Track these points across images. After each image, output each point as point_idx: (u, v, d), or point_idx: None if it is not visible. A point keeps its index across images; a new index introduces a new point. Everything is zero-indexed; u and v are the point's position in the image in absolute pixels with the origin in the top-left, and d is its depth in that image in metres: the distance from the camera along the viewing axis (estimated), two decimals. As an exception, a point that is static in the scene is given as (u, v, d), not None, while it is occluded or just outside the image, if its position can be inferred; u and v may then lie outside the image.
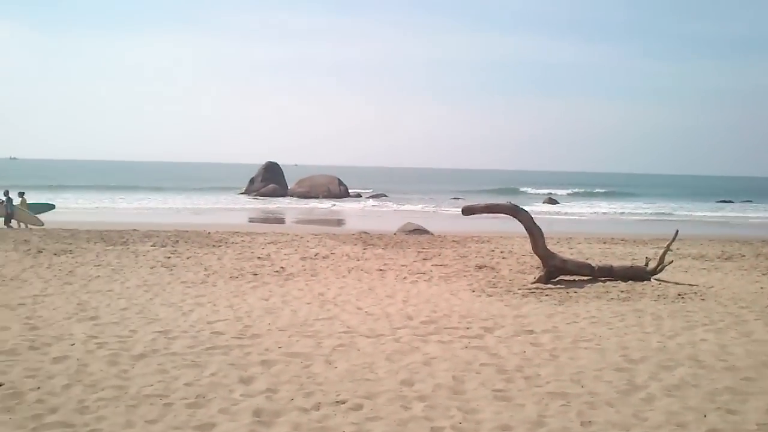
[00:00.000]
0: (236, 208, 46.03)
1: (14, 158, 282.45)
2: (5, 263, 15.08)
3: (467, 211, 14.64)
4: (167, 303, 11.07)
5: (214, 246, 19.02)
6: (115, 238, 20.51)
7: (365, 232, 24.95)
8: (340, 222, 37.40)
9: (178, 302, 11.15)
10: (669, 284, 13.72)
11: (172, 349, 8.22)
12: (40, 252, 17.02)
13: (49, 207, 28.73)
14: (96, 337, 8.68)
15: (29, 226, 25.14)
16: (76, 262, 15.42)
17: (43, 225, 25.29)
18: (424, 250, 19.21)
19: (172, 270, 14.59)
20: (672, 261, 15.06)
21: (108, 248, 18.05)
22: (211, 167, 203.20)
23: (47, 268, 14.57)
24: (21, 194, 26.29)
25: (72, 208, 41.19)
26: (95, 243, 19.15)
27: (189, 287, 12.63)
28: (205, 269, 14.79)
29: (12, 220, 25.17)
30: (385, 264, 16.15)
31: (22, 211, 25.64)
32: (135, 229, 23.44)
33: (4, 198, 25.41)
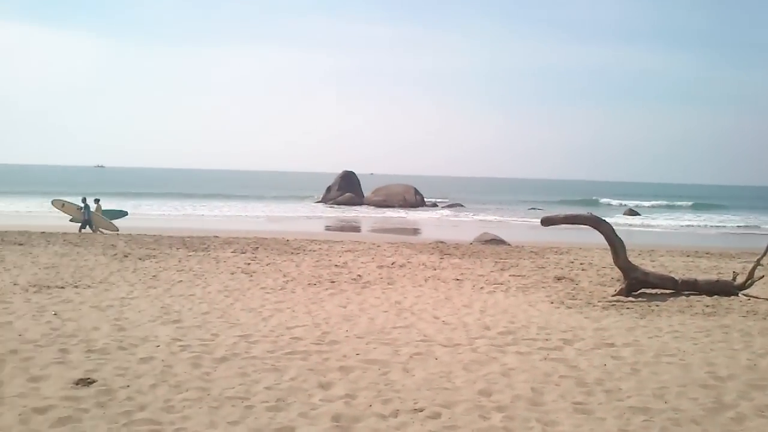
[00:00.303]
0: (313, 217, 46.62)
1: (101, 166, 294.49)
2: (94, 266, 15.66)
3: (547, 221, 14.44)
4: (247, 308, 11.29)
5: (292, 253, 19.31)
6: (197, 244, 21.06)
7: (441, 242, 24.90)
8: (416, 231, 37.43)
9: (257, 307, 11.36)
10: (759, 300, 13.20)
11: (253, 353, 8.38)
12: (126, 256, 17.62)
13: (122, 214, 29.89)
14: (179, 340, 8.92)
15: (104, 231, 26.36)
16: (160, 267, 15.89)
17: (117, 230, 26.50)
18: (501, 260, 19.05)
19: (251, 276, 14.88)
20: (762, 276, 14.47)
21: (190, 254, 18.54)
22: (288, 176, 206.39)
23: (133, 272, 15.07)
24: (96, 201, 27.67)
25: (155, 215, 42.60)
26: (178, 249, 19.70)
27: (268, 293, 12.85)
28: (284, 276, 15.02)
29: (87, 226, 26.50)
30: (461, 274, 16.08)
31: (97, 216, 26.89)
32: (216, 236, 24.04)
33: (82, 205, 26.74)
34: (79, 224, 26.59)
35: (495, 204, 69.48)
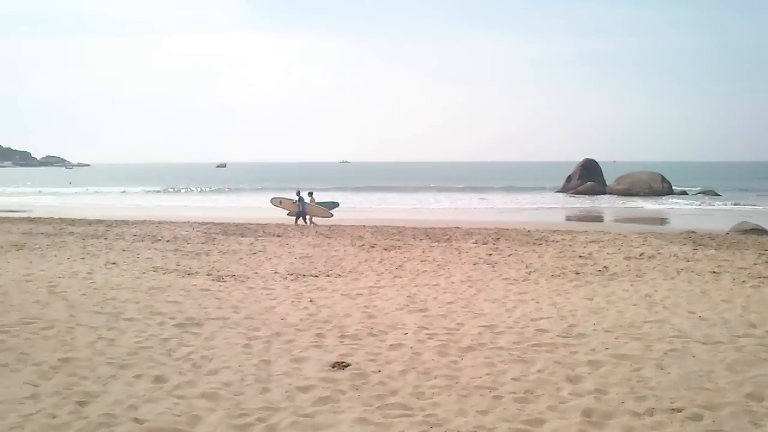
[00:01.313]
0: (554, 207, 45.68)
1: (346, 162, 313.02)
2: (344, 257, 16.53)
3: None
4: (491, 299, 11.28)
5: (534, 244, 19.05)
6: (439, 235, 21.50)
7: (693, 232, 23.30)
8: (664, 221, 35.33)
9: (501, 298, 11.31)
10: None
11: (498, 343, 8.34)
12: (373, 247, 18.40)
13: (334, 205, 31.28)
14: (426, 328, 9.11)
15: (315, 221, 28.10)
16: (405, 257, 16.40)
17: (332, 216, 28.68)
18: (766, 251, 17.35)
19: (494, 267, 14.87)
20: None
21: (433, 245, 18.95)
22: (527, 165, 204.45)
23: (379, 262, 15.69)
24: (310, 194, 29.56)
25: (397, 208, 44.19)
26: (421, 240, 20.22)
27: (511, 284, 12.76)
28: (527, 267, 14.84)
29: (301, 217, 28.33)
30: (719, 266, 14.87)
31: (311, 206, 28.69)
32: (457, 227, 24.39)
33: (296, 198, 28.53)
34: (294, 216, 28.46)
35: (756, 191, 63.56)
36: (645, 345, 8.27)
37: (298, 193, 29.04)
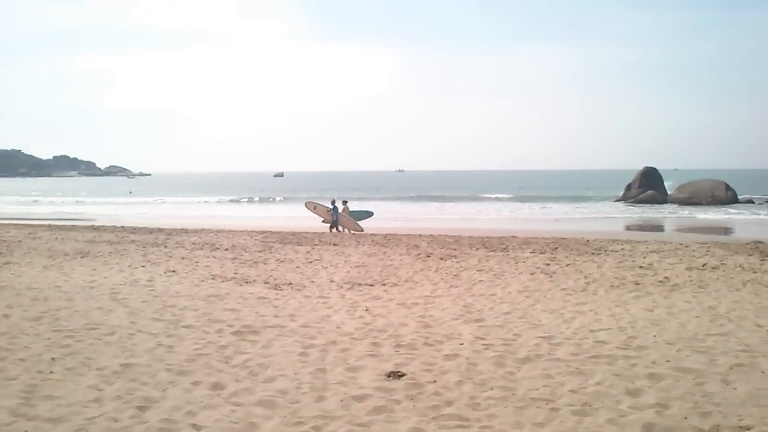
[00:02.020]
0: (614, 216, 44.89)
1: (401, 170, 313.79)
2: (400, 266, 16.53)
3: None
4: (548, 309, 11.13)
5: (593, 254, 18.75)
6: (496, 244, 21.32)
7: (760, 242, 22.55)
8: (728, 230, 34.36)
9: (559, 309, 11.15)
10: None
11: (556, 355, 8.22)
12: (429, 256, 18.35)
13: (368, 214, 31.22)
14: (482, 339, 9.03)
15: (350, 230, 28.22)
16: (461, 267, 16.30)
17: (363, 230, 28.32)
18: (836, 263, 16.73)
19: (551, 277, 14.68)
20: None
21: (489, 254, 18.80)
22: (585, 174, 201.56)
23: (435, 271, 15.63)
24: (344, 203, 29.68)
25: (453, 218, 44.06)
26: (477, 249, 20.08)
27: (569, 294, 12.57)
28: (585, 277, 14.61)
29: (335, 226, 28.46)
30: (787, 278, 14.40)
31: (344, 217, 28.64)
32: (514, 236, 24.16)
33: (331, 207, 28.57)
34: (329, 225, 28.53)
35: (824, 200, 61.25)
36: (709, 359, 8.04)
37: (333, 203, 29.22)
